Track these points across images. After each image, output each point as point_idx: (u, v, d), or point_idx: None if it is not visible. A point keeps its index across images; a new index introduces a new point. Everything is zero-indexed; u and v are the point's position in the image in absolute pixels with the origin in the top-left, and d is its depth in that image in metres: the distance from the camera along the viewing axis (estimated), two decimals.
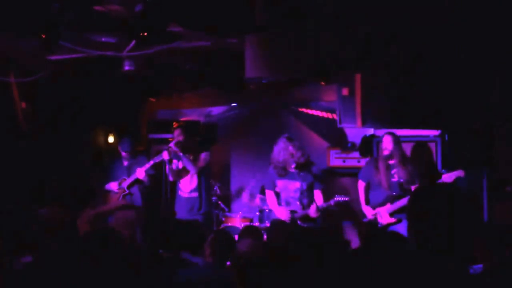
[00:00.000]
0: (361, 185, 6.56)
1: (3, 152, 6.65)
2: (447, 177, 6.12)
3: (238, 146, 8.71)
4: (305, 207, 6.27)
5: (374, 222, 6.35)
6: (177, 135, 6.95)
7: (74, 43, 5.72)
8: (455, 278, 2.24)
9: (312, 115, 8.16)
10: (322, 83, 7.08)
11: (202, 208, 7.00)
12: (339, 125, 6.40)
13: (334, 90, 6.62)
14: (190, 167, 6.93)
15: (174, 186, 7.18)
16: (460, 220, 2.28)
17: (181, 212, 7.01)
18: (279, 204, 6.41)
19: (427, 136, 7.01)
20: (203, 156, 7.04)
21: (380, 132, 6.85)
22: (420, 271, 2.29)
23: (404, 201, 6.08)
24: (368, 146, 7.09)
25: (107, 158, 7.93)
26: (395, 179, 6.30)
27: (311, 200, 6.29)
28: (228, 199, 8.38)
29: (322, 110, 8.06)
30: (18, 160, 6.75)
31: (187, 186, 7.03)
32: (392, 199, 6.22)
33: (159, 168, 7.24)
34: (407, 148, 7.00)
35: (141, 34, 5.00)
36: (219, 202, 7.77)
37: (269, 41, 5.56)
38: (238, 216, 7.54)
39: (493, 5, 5.22)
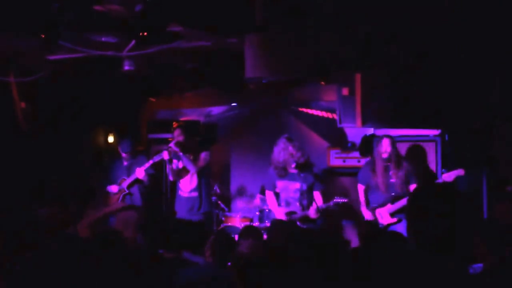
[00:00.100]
0: (360, 188, 6.59)
1: (3, 152, 6.66)
2: (447, 176, 6.13)
3: (238, 146, 8.71)
4: (305, 208, 6.28)
5: (374, 222, 6.35)
6: (177, 135, 6.95)
7: (74, 43, 5.72)
8: (455, 278, 2.24)
9: (312, 115, 8.16)
10: (322, 83, 7.09)
11: (202, 207, 7.00)
12: (339, 125, 6.40)
13: (334, 90, 6.62)
14: (190, 166, 6.93)
15: (174, 185, 7.18)
16: (460, 220, 2.28)
17: (181, 212, 7.02)
18: (279, 204, 6.41)
19: (427, 136, 7.01)
20: (203, 155, 7.04)
21: (379, 132, 6.85)
22: (420, 271, 2.28)
23: (404, 201, 6.10)
24: (368, 145, 7.08)
25: (107, 158, 7.93)
26: (393, 179, 6.32)
27: (311, 201, 6.29)
28: (228, 199, 8.38)
29: (322, 110, 8.06)
30: (18, 160, 6.75)
31: (187, 185, 7.03)
32: (393, 199, 6.24)
33: (159, 168, 7.24)
34: (407, 148, 7.02)
35: (141, 34, 5.00)
36: (219, 202, 7.77)
37: (269, 41, 5.55)
38: (238, 216, 7.54)
39: (493, 5, 5.21)
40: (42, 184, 6.95)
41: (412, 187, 6.28)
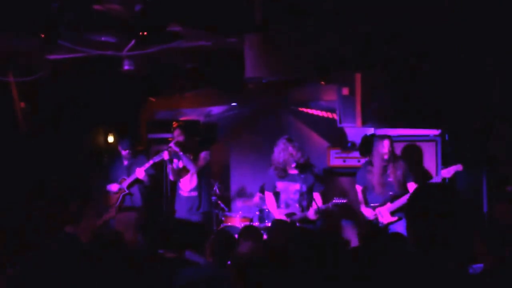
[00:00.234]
0: (358, 188, 6.62)
1: (3, 152, 6.65)
2: (446, 172, 6.19)
3: (238, 145, 8.70)
4: (304, 209, 6.28)
5: (374, 222, 6.37)
6: (177, 135, 6.95)
7: (74, 43, 5.71)
8: (455, 278, 2.24)
9: (312, 115, 8.16)
10: (322, 82, 7.08)
11: (201, 207, 7.01)
12: (339, 125, 6.40)
13: (334, 90, 6.62)
14: (190, 166, 6.93)
15: (174, 185, 7.18)
16: (460, 220, 2.28)
17: (181, 211, 7.02)
18: (279, 206, 6.41)
19: (427, 136, 7.01)
20: (203, 155, 7.04)
21: (379, 132, 6.86)
22: (419, 271, 2.28)
23: (403, 199, 6.18)
24: (368, 145, 7.08)
25: (107, 158, 7.93)
26: (391, 178, 6.34)
27: (311, 202, 6.29)
28: (228, 198, 8.37)
29: (322, 109, 8.05)
30: (18, 160, 6.75)
31: (187, 185, 7.04)
32: (392, 198, 6.27)
33: (159, 168, 7.24)
34: (403, 147, 7.03)
35: (141, 33, 5.00)
36: (219, 202, 7.76)
37: (268, 40, 5.55)
38: (238, 215, 7.53)
39: (493, 5, 5.21)
40: (42, 184, 6.95)
41: (410, 185, 6.33)
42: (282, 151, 6.26)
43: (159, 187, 7.29)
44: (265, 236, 5.28)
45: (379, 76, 6.04)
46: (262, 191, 7.15)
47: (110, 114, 7.99)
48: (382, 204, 6.33)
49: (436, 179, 6.46)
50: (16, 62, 6.64)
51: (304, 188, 6.29)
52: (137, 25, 4.98)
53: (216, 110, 8.84)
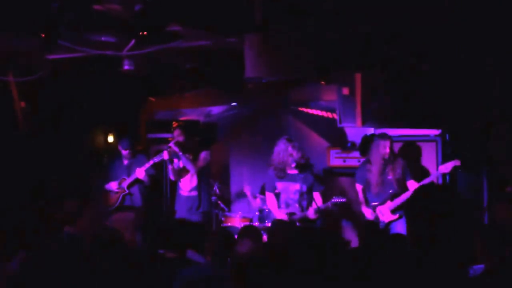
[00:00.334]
0: (359, 187, 6.64)
1: (3, 152, 6.65)
2: (444, 168, 6.22)
3: (238, 146, 8.70)
4: (304, 209, 6.29)
5: (375, 221, 6.38)
6: (177, 135, 6.96)
7: (74, 43, 5.71)
8: (455, 278, 2.24)
9: (312, 115, 8.15)
10: (322, 82, 7.08)
11: (201, 207, 7.01)
12: (339, 125, 6.41)
13: (334, 90, 6.61)
14: (189, 167, 6.93)
15: (174, 185, 7.18)
16: (460, 220, 2.29)
17: (181, 211, 7.02)
18: (279, 206, 6.41)
19: (427, 136, 7.02)
20: (203, 155, 7.05)
21: (379, 132, 6.86)
22: (419, 271, 2.29)
23: (403, 197, 6.23)
24: (368, 145, 7.08)
25: (107, 158, 7.93)
26: (390, 176, 6.36)
27: (311, 202, 6.30)
28: (227, 198, 8.37)
29: (322, 109, 8.05)
30: (18, 160, 6.74)
31: (187, 185, 7.04)
32: (392, 196, 6.30)
33: (159, 168, 7.24)
34: (406, 147, 7.03)
35: (140, 33, 5.00)
36: (219, 202, 7.76)
37: (268, 40, 5.55)
38: (237, 216, 7.53)
39: (493, 5, 5.21)
40: (42, 184, 6.95)
41: (410, 183, 6.35)
42: (282, 151, 6.26)
43: (159, 187, 7.28)
44: (265, 236, 5.28)
45: (379, 76, 6.04)
46: (262, 192, 7.15)
47: (110, 114, 7.99)
48: (382, 202, 6.35)
49: (435, 175, 6.46)
50: (16, 62, 6.63)
51: (304, 188, 6.29)
52: (137, 25, 4.98)
53: (216, 110, 8.84)
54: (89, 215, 3.79)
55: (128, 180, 7.22)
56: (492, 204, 6.29)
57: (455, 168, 6.29)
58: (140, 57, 6.24)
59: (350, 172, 7.38)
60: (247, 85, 7.33)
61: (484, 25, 5.29)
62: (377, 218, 6.39)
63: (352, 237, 7.46)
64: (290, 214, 6.28)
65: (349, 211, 7.33)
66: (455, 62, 5.68)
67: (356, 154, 7.58)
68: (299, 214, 6.26)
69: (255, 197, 7.69)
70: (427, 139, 7.02)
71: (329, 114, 7.93)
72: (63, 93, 7.35)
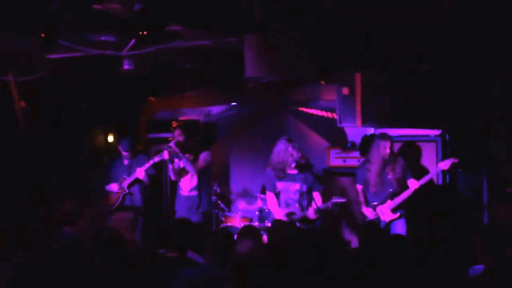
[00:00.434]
0: (359, 188, 6.64)
1: (3, 152, 6.65)
2: (443, 165, 6.23)
3: (237, 145, 8.70)
4: (304, 209, 6.28)
5: (376, 221, 6.38)
6: (177, 135, 6.96)
7: (74, 42, 5.71)
8: (454, 278, 2.25)
9: (312, 115, 8.15)
10: (322, 82, 7.08)
11: (201, 207, 7.02)
12: (339, 125, 6.40)
13: (334, 90, 6.61)
14: (189, 167, 6.94)
15: (174, 185, 7.18)
16: (460, 220, 2.29)
17: (180, 211, 7.03)
18: (279, 205, 6.41)
19: (427, 136, 7.02)
20: (203, 156, 7.05)
21: (379, 132, 6.86)
22: (419, 271, 2.29)
23: (403, 196, 6.22)
24: (369, 145, 7.08)
25: (107, 158, 7.93)
26: (390, 176, 6.37)
27: (311, 201, 6.30)
28: (227, 198, 8.37)
29: (322, 109, 8.05)
30: (18, 160, 6.74)
31: (187, 184, 7.04)
32: (392, 195, 6.30)
33: (159, 167, 7.24)
34: (406, 147, 7.04)
35: (140, 33, 5.00)
36: (219, 202, 7.76)
37: (268, 40, 5.55)
38: (237, 215, 7.53)
39: (493, 5, 5.22)
40: (42, 184, 6.95)
41: (410, 181, 6.34)
42: (282, 152, 6.26)
43: (159, 187, 7.28)
44: (265, 236, 5.28)
45: (379, 76, 6.05)
46: (263, 191, 7.15)
47: (110, 114, 7.99)
48: (383, 202, 6.36)
49: (434, 172, 6.46)
50: (16, 62, 6.63)
51: (304, 188, 6.29)
52: (136, 24, 4.98)
53: (216, 110, 8.84)
54: (89, 215, 3.79)
55: (128, 180, 7.22)
56: (492, 204, 6.30)
57: (455, 168, 6.29)
58: (140, 57, 6.24)
59: (350, 172, 7.38)
60: (247, 85, 7.33)
61: (484, 25, 5.29)
62: (377, 217, 6.39)
63: (352, 237, 7.47)
64: (290, 214, 6.27)
65: (348, 211, 7.33)
66: (455, 62, 5.68)
67: (356, 154, 7.58)
68: (299, 214, 6.26)
69: (253, 197, 7.71)
70: (427, 139, 7.02)
71: (329, 114, 7.93)
72: (63, 93, 7.35)
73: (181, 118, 8.71)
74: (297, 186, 6.29)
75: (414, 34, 5.50)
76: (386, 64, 5.80)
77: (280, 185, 6.38)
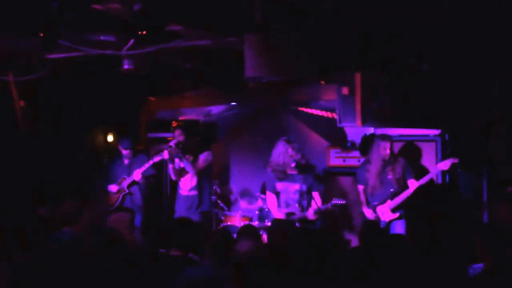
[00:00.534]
0: (360, 188, 6.66)
1: (3, 152, 6.65)
2: (443, 165, 6.24)
3: (237, 145, 8.70)
4: (304, 209, 6.29)
5: (376, 220, 6.39)
6: (177, 135, 6.96)
7: (73, 42, 5.70)
8: (454, 278, 2.25)
9: (312, 115, 8.15)
10: (322, 82, 7.08)
11: (200, 206, 7.01)
12: (339, 124, 6.41)
13: (334, 89, 6.62)
14: (189, 168, 6.94)
15: (174, 185, 7.18)
16: (460, 220, 2.29)
17: (180, 210, 7.03)
18: (279, 205, 6.41)
19: (427, 136, 7.02)
20: (204, 156, 7.04)
21: (379, 132, 6.86)
22: (419, 271, 2.29)
23: (403, 196, 6.26)
24: (369, 145, 7.09)
25: (107, 158, 7.93)
26: (390, 176, 6.38)
27: (310, 202, 6.30)
28: (227, 198, 8.37)
29: (322, 109, 8.05)
30: (18, 160, 6.74)
31: (187, 184, 7.04)
32: (392, 195, 6.31)
33: (159, 167, 7.24)
34: (406, 147, 7.04)
35: (140, 33, 5.00)
36: (219, 201, 7.76)
37: (268, 40, 5.55)
38: (237, 215, 7.53)
39: (493, 5, 5.21)
40: (42, 184, 6.94)
41: (411, 182, 6.35)
42: (282, 153, 6.27)
43: (159, 186, 7.28)
44: (264, 236, 5.28)
45: (379, 76, 6.04)
46: (263, 191, 7.15)
47: (110, 114, 7.99)
48: (383, 202, 6.37)
49: (434, 172, 6.46)
50: (16, 62, 6.63)
51: (304, 188, 6.29)
52: (136, 24, 4.98)
53: (216, 109, 8.84)
54: (89, 215, 3.79)
55: (128, 180, 7.23)
56: (492, 204, 6.29)
57: (455, 167, 6.30)
58: (140, 57, 6.24)
59: (350, 172, 7.39)
60: (247, 85, 7.33)
61: (484, 25, 5.29)
62: (378, 218, 6.40)
63: (352, 237, 7.46)
64: (289, 214, 6.28)
65: (348, 212, 7.33)
66: (455, 62, 5.68)
67: (356, 153, 7.58)
68: (298, 214, 6.26)
69: (253, 196, 7.71)
70: (427, 139, 7.02)
71: (329, 114, 7.93)
72: (63, 93, 7.35)
73: (181, 118, 8.70)
74: (296, 186, 6.29)
75: (414, 34, 5.50)
76: (386, 64, 5.80)
77: (280, 185, 6.38)
